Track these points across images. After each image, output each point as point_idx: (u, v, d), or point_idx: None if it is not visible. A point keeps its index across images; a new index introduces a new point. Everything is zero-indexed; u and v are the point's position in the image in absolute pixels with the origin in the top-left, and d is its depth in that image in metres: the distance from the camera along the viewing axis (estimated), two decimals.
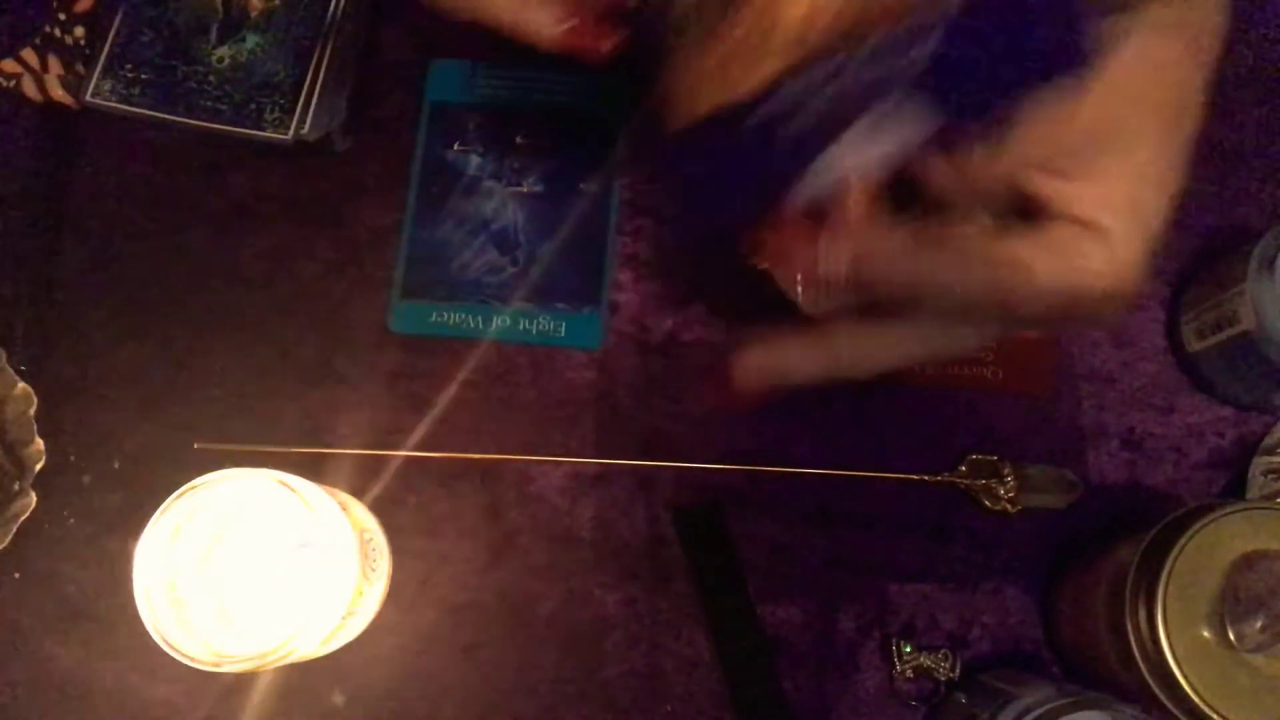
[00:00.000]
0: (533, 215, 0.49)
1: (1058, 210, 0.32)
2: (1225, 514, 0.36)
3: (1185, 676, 0.35)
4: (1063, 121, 0.31)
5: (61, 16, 0.51)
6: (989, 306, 0.31)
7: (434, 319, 0.48)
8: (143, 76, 0.48)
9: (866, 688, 0.45)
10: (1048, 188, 0.32)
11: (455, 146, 0.50)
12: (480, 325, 0.48)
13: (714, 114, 0.27)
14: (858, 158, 0.26)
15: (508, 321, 0.48)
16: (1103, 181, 0.31)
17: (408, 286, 0.49)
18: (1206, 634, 0.36)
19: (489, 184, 0.50)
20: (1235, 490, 0.46)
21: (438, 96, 0.51)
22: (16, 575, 0.46)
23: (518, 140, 0.50)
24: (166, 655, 0.35)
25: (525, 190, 0.50)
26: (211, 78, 0.48)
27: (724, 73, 0.27)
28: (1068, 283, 0.31)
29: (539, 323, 0.48)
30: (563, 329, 0.48)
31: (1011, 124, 0.30)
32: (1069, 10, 0.27)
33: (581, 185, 0.50)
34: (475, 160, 0.50)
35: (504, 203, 0.50)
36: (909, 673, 0.44)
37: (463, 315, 0.48)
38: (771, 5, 0.27)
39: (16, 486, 0.45)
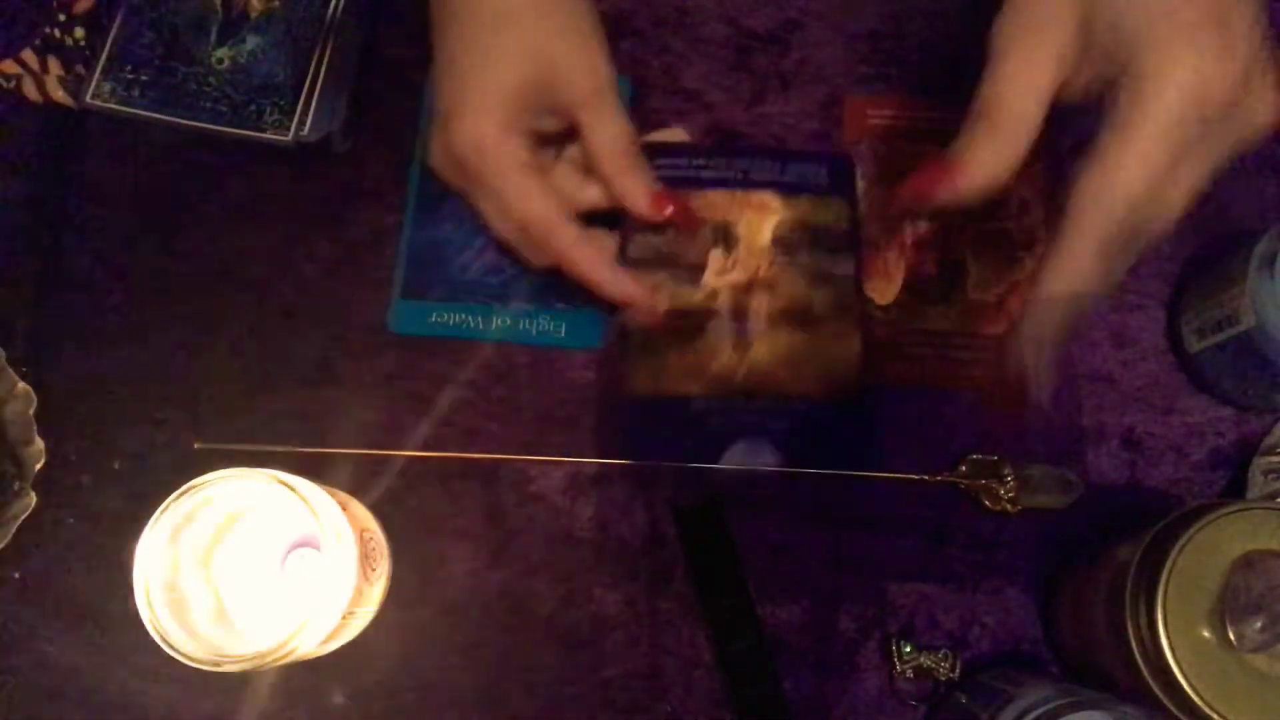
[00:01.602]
0: None
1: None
2: (1225, 514, 0.36)
3: (1185, 676, 0.35)
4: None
5: (61, 17, 0.51)
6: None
7: (434, 319, 0.48)
8: (143, 78, 0.48)
9: (866, 688, 0.45)
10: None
11: None
12: (480, 325, 0.48)
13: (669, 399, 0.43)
14: (741, 461, 0.43)
15: (507, 322, 0.48)
16: (1173, 30, 0.33)
17: (408, 287, 0.49)
18: (1206, 634, 0.36)
19: None
20: (1235, 490, 0.46)
21: None
22: (16, 575, 0.46)
23: None
24: (166, 655, 0.35)
25: None
26: (211, 79, 0.48)
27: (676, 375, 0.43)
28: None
29: (539, 323, 0.48)
30: (563, 329, 0.48)
31: None
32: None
33: None
34: None
35: None
36: (909, 673, 0.44)
37: (462, 315, 0.48)
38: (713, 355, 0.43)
39: (16, 486, 0.45)
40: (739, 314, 0.43)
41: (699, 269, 0.44)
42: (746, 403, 0.42)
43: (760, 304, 0.44)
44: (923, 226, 0.48)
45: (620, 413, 0.43)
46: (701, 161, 0.46)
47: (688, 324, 0.44)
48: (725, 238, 0.45)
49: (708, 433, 0.42)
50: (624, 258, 0.43)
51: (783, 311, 0.44)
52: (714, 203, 0.45)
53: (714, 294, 0.44)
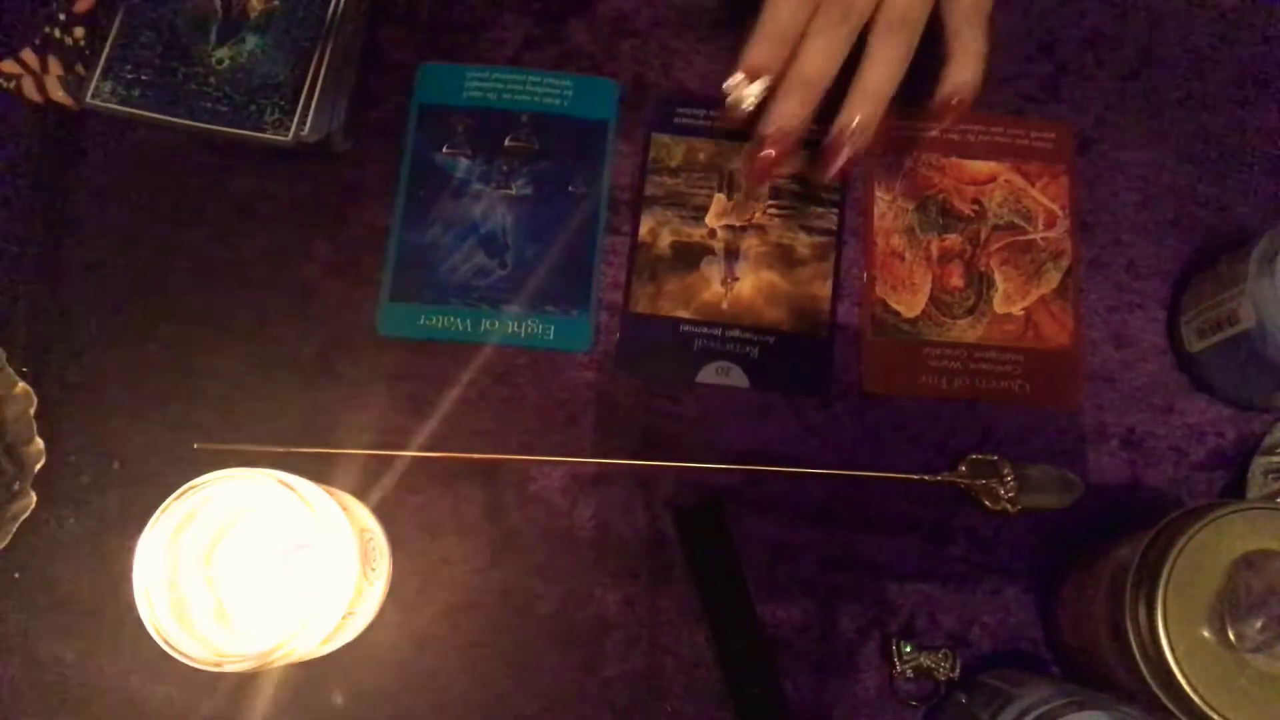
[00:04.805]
0: (521, 218, 0.49)
1: None
2: (1225, 514, 0.36)
3: (1185, 676, 0.35)
4: None
5: (61, 17, 0.51)
6: None
7: (422, 322, 0.48)
8: (143, 78, 0.48)
9: (866, 688, 0.45)
10: None
11: (444, 149, 0.50)
12: (468, 329, 0.48)
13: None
14: (713, 379, 0.48)
15: (496, 325, 0.48)
16: None
17: (396, 289, 0.49)
18: (1206, 634, 0.36)
19: (477, 186, 0.50)
20: (1235, 490, 0.46)
21: (426, 99, 0.51)
22: (16, 575, 0.46)
23: (506, 143, 0.50)
24: (166, 655, 0.35)
25: (514, 193, 0.50)
26: (211, 79, 0.48)
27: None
28: None
29: (527, 326, 0.48)
30: (551, 332, 0.48)
31: None
32: None
33: (570, 188, 0.50)
34: (464, 163, 0.50)
35: (492, 205, 0.50)
36: (909, 673, 0.44)
37: (451, 318, 0.48)
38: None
39: (16, 486, 0.45)
40: (731, 252, 0.49)
41: (703, 210, 0.50)
42: (726, 329, 0.48)
43: (751, 246, 0.49)
44: (949, 239, 0.49)
45: (622, 326, 0.48)
46: (718, 113, 0.48)
47: (686, 256, 0.49)
48: (729, 184, 0.50)
49: (690, 352, 0.48)
50: (643, 194, 0.50)
51: (769, 254, 0.49)
52: (724, 151, 0.51)
53: (712, 232, 0.50)
